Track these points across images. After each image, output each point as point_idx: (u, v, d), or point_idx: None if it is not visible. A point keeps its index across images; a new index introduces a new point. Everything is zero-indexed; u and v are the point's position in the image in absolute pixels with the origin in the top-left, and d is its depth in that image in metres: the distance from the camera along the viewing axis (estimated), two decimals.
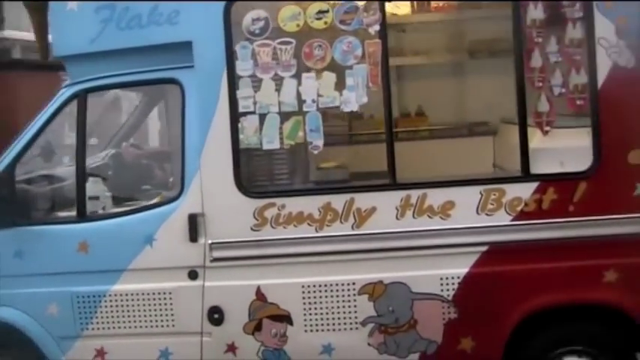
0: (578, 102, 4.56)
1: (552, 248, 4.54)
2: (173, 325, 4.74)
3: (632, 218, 4.52)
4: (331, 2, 4.58)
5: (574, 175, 4.53)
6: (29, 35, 18.20)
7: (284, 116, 4.63)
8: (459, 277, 4.56)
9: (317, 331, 4.65)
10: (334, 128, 5.28)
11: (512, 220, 4.55)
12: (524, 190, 4.54)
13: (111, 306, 4.76)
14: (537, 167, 4.58)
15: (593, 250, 4.53)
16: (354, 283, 4.60)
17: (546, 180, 4.54)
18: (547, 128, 4.59)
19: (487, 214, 4.55)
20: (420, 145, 5.67)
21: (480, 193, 4.55)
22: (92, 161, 5.57)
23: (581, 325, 4.67)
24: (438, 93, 5.89)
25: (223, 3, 4.60)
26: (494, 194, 4.55)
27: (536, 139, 4.61)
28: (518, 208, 4.54)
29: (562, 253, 4.54)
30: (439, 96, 5.89)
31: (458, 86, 5.86)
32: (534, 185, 4.54)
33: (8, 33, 22.85)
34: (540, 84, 4.57)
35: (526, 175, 4.56)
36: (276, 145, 4.64)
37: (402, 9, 5.55)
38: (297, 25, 4.61)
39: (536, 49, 4.55)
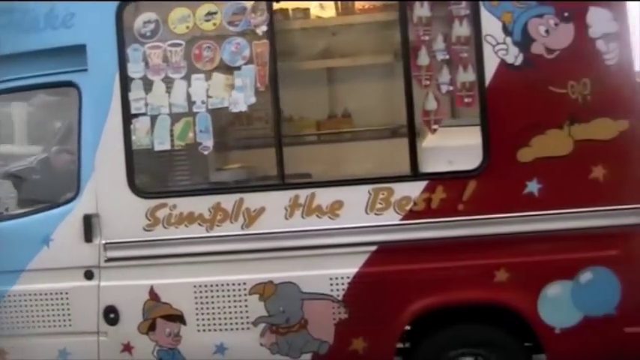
0: (466, 100, 4.53)
1: (442, 248, 4.51)
2: (70, 325, 4.80)
3: (522, 217, 4.47)
4: (220, 3, 4.62)
5: (463, 173, 4.50)
6: None
7: (175, 117, 4.68)
8: (348, 277, 4.55)
9: (210, 330, 4.67)
10: (248, 131, 5.30)
11: (402, 220, 4.53)
12: (413, 190, 4.52)
13: (10, 307, 4.83)
14: (427, 166, 4.55)
15: (483, 249, 4.49)
16: (244, 283, 4.62)
17: (435, 179, 4.52)
18: (435, 127, 4.56)
19: (376, 214, 4.53)
20: (345, 146, 5.65)
21: (369, 192, 4.53)
22: (18, 164, 5.68)
23: (476, 325, 4.62)
24: (365, 95, 5.87)
25: (115, 6, 4.66)
26: (383, 194, 4.53)
27: (426, 137, 4.59)
28: (407, 208, 4.52)
29: (452, 252, 4.50)
30: (366, 98, 5.87)
31: (385, 88, 5.82)
32: (423, 184, 4.51)
33: None
34: (428, 82, 4.54)
35: (414, 174, 4.54)
36: (167, 146, 4.69)
37: (328, 11, 5.56)
38: (187, 27, 4.66)
39: (423, 47, 4.53)
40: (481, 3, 4.46)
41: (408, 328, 4.64)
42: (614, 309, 4.46)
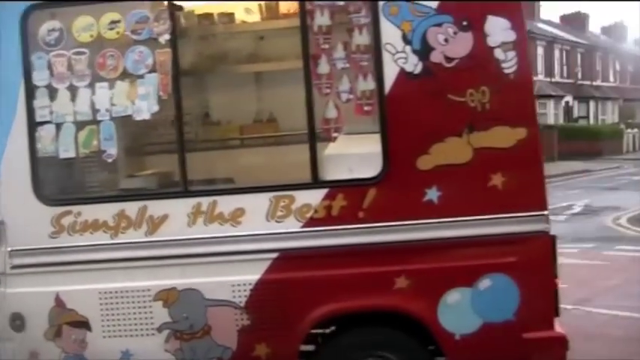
0: (365, 108, 4.56)
1: (343, 255, 4.54)
2: None
3: (421, 224, 4.50)
4: (124, 12, 4.64)
5: (363, 181, 4.53)
6: None
7: (79, 125, 4.71)
8: (250, 284, 4.58)
9: (115, 337, 4.70)
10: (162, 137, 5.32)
11: (302, 227, 4.56)
12: (314, 197, 4.55)
13: None
14: (328, 174, 4.59)
15: (384, 256, 4.53)
16: (149, 290, 4.65)
17: (335, 186, 4.55)
18: (335, 135, 4.59)
19: (277, 221, 4.57)
20: (270, 150, 5.68)
21: (270, 200, 4.56)
22: None
23: (380, 331, 4.66)
24: (292, 99, 5.90)
25: (20, 14, 4.68)
26: (284, 201, 4.56)
27: (328, 145, 4.62)
28: (308, 215, 4.55)
29: (353, 259, 4.54)
30: (293, 102, 5.89)
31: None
32: (323, 192, 4.54)
33: None
34: (328, 90, 4.57)
35: (315, 182, 4.57)
36: (72, 154, 4.72)
37: (253, 16, 5.58)
38: (91, 36, 4.68)
39: (323, 55, 4.56)
40: (381, 12, 4.48)
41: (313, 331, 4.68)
42: (512, 315, 4.51)
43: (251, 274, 4.58)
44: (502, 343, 4.54)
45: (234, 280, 4.58)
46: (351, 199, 4.52)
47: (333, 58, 4.55)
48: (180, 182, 4.67)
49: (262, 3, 5.27)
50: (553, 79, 46.05)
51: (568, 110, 46.80)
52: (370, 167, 4.52)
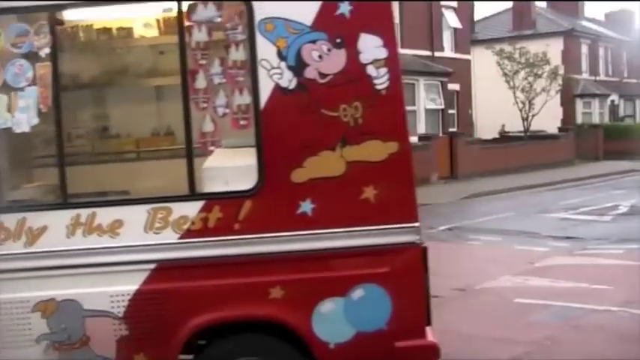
0: (241, 122, 4.67)
1: (219, 265, 4.63)
2: None
3: (296, 236, 4.62)
4: (3, 25, 4.70)
5: (239, 193, 4.63)
6: None
7: None
8: (128, 295, 4.64)
9: None
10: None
11: (179, 239, 4.64)
12: (191, 209, 4.63)
13: None
14: (205, 186, 4.68)
15: (259, 267, 4.63)
16: (28, 301, 4.68)
17: (212, 199, 4.64)
18: (212, 148, 4.69)
19: (155, 233, 4.64)
20: (162, 164, 5.73)
21: (148, 211, 4.64)
22: None
23: (257, 336, 4.74)
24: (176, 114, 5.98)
25: None
26: (162, 213, 4.64)
27: (206, 159, 4.72)
28: (185, 227, 4.63)
29: (229, 270, 4.63)
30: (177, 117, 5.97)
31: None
32: (200, 204, 4.63)
33: None
34: (205, 105, 4.67)
35: (192, 194, 4.66)
36: None
37: (151, 31, 5.67)
38: None
39: (201, 70, 4.66)
40: (256, 29, 4.59)
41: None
42: (384, 324, 4.64)
43: (129, 285, 4.64)
44: (375, 352, 4.66)
45: (113, 291, 4.64)
46: (226, 211, 4.62)
47: (211, 73, 4.65)
48: (60, 194, 4.72)
49: (144, 18, 5.36)
50: (598, 78, 45.52)
51: (613, 109, 46.40)
52: (246, 180, 4.62)
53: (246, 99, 4.64)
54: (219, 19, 4.67)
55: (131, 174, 5.41)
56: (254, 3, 4.58)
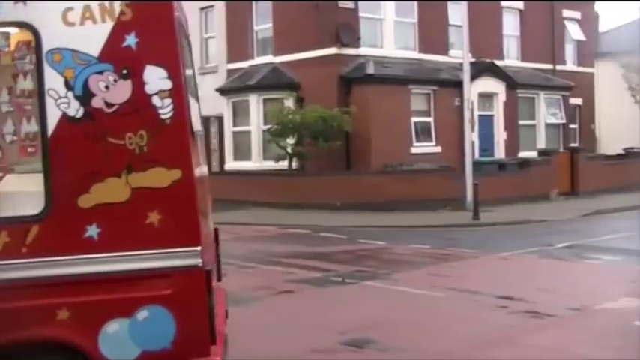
0: (29, 149, 4.83)
1: (8, 288, 4.76)
2: None
3: (82, 259, 4.78)
4: None
5: (26, 218, 4.78)
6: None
7: None
8: None
9: None
10: None
11: None
12: None
13: None
14: None
15: (47, 289, 4.77)
16: None
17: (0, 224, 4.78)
18: (0, 174, 4.84)
19: None
20: None
21: None
22: None
23: (47, 356, 4.89)
24: None
25: None
26: None
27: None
28: None
29: (17, 293, 4.76)
30: None
31: None
32: None
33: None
34: None
35: None
36: None
37: None
38: None
39: None
40: (44, 59, 4.75)
41: None
42: (169, 343, 4.84)
43: None
44: None
45: None
46: (14, 235, 4.76)
47: None
48: None
49: None
50: None
51: None
52: (34, 205, 4.77)
53: (33, 127, 4.79)
54: (7, 49, 4.80)
55: None
56: (42, 33, 4.73)
